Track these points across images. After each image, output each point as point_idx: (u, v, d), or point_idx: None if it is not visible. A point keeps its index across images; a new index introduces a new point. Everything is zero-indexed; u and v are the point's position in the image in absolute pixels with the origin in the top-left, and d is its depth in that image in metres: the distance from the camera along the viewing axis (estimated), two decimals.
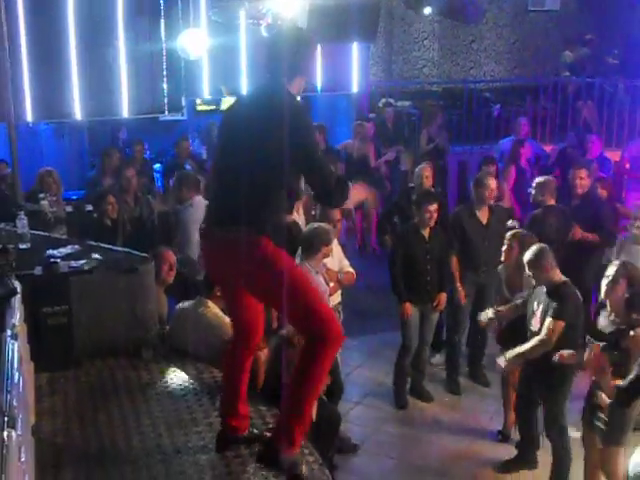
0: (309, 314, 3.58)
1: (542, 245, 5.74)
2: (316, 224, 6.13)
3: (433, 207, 6.86)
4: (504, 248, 6.46)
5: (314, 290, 3.71)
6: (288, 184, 3.65)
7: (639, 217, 6.72)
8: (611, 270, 5.17)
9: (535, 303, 5.75)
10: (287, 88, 3.67)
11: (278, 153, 3.48)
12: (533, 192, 7.43)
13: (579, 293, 5.60)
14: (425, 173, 7.89)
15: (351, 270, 6.56)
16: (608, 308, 5.19)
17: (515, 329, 6.05)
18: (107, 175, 8.81)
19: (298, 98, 3.78)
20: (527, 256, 5.64)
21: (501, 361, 5.78)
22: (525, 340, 5.71)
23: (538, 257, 5.57)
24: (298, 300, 3.56)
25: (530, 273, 5.62)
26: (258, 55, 3.75)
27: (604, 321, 5.20)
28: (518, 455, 6.19)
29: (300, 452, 3.81)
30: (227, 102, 10.87)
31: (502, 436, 6.66)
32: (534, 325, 5.69)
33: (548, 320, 5.46)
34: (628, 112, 11.57)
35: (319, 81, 10.33)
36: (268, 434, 3.99)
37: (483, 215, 7.33)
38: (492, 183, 7.31)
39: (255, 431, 4.10)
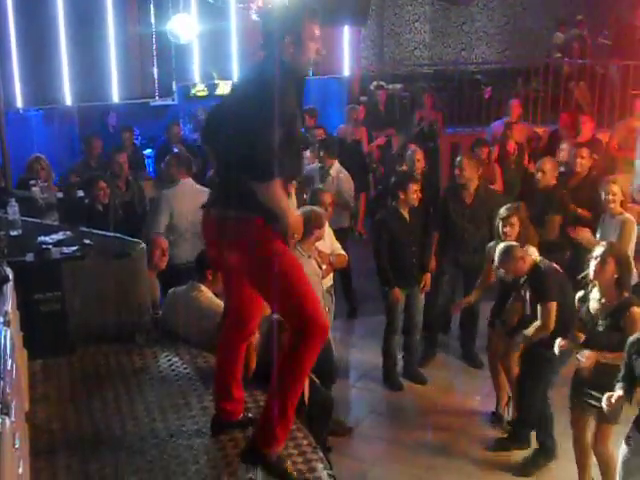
0: (295, 305, 3.53)
1: (509, 244, 5.88)
2: (308, 207, 6.13)
3: (413, 188, 6.89)
4: (506, 228, 6.34)
5: (304, 280, 3.62)
6: (282, 163, 3.41)
7: (610, 191, 6.73)
8: (598, 251, 5.15)
9: (523, 290, 5.82)
10: (280, 57, 3.54)
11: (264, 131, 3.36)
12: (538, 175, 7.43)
13: (558, 267, 5.73)
14: (417, 157, 7.93)
15: (343, 252, 6.58)
16: (597, 290, 5.19)
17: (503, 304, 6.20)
18: (91, 162, 8.75)
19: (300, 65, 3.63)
20: (499, 251, 5.78)
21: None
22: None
23: (506, 255, 5.71)
24: (286, 290, 3.51)
25: (502, 271, 5.78)
26: (249, 40, 3.66)
27: (595, 304, 5.18)
28: (510, 434, 6.25)
29: (284, 447, 3.77)
30: (221, 87, 10.88)
31: (495, 417, 6.68)
32: (527, 309, 5.74)
33: (538, 308, 5.52)
34: (619, 93, 11.57)
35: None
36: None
37: (468, 196, 7.35)
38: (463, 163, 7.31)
39: (249, 415, 4.10)
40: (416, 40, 14.27)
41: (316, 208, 6.14)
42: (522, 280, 5.81)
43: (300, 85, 3.72)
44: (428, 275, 7.14)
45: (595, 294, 5.17)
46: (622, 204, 6.81)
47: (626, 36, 12.32)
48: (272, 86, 3.40)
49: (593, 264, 5.09)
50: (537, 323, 5.60)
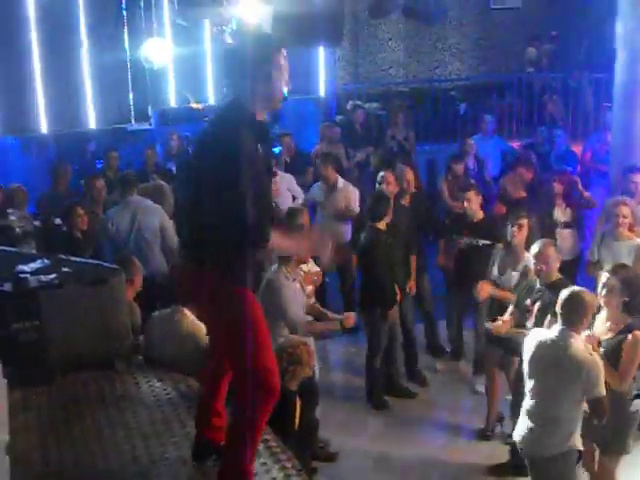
0: (251, 369, 3.50)
1: (548, 239, 5.93)
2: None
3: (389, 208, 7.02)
4: (515, 229, 6.46)
5: (266, 335, 3.60)
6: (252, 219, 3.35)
7: (619, 214, 6.63)
8: (604, 278, 5.17)
9: (529, 300, 5.79)
10: (248, 108, 3.53)
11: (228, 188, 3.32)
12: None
13: None
14: (388, 179, 7.78)
15: (317, 269, 6.61)
16: (604, 315, 5.17)
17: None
18: (60, 190, 8.69)
19: (262, 117, 3.62)
20: (534, 248, 5.73)
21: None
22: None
23: (547, 250, 5.66)
24: (243, 348, 3.47)
25: (537, 265, 5.69)
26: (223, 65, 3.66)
27: (601, 327, 5.18)
28: (511, 460, 6.06)
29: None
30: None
31: (482, 434, 6.66)
32: (530, 321, 5.69)
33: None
34: (592, 106, 11.71)
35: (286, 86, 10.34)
36: None
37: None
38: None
39: None
40: (390, 59, 14.36)
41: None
42: (537, 288, 5.78)
43: (263, 132, 3.66)
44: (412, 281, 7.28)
45: (602, 316, 5.18)
46: (630, 227, 6.68)
47: (597, 50, 12.47)
48: (234, 146, 3.34)
49: (601, 292, 5.09)
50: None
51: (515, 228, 6.45)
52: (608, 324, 5.12)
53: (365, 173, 11.08)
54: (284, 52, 3.60)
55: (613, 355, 4.96)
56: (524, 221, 6.46)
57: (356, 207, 8.48)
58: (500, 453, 6.25)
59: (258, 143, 3.54)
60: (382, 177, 7.81)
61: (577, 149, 10.05)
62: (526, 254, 6.21)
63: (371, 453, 6.51)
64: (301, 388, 5.24)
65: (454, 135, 12.00)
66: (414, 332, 7.70)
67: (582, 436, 4.81)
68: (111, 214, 7.32)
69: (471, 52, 14.82)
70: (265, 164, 3.71)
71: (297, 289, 6.00)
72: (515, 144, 10.96)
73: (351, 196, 8.44)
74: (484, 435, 6.64)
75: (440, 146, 11.65)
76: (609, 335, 5.08)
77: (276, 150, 11.09)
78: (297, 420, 5.05)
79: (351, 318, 6.17)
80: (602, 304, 5.13)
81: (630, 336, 4.93)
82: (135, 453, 4.15)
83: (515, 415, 5.71)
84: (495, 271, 6.64)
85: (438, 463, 6.34)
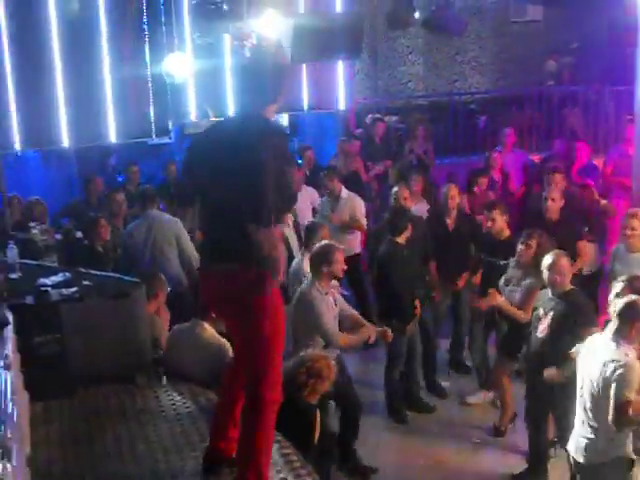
0: (260, 370, 3.66)
1: (561, 250, 5.90)
2: (321, 245, 6.13)
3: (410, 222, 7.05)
4: (522, 247, 6.53)
5: (280, 348, 3.73)
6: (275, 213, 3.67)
7: (628, 225, 6.64)
8: (618, 287, 5.16)
9: (541, 310, 5.79)
10: (263, 116, 3.76)
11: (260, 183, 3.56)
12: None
13: None
14: (403, 194, 7.83)
15: (335, 282, 6.61)
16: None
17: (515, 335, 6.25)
18: (92, 201, 8.80)
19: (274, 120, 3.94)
20: (547, 259, 5.72)
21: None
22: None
23: (561, 261, 5.67)
24: (261, 350, 3.65)
25: (548, 276, 5.70)
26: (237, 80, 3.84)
27: None
28: (528, 468, 6.16)
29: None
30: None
31: (496, 431, 6.80)
32: (540, 331, 5.71)
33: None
34: (614, 119, 11.64)
35: (305, 99, 10.38)
36: None
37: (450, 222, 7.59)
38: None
39: None
40: (410, 72, 14.36)
41: (329, 243, 6.17)
42: (550, 298, 5.80)
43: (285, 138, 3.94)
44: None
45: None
46: None
47: (616, 62, 12.38)
48: (282, 140, 3.72)
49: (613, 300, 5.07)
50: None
51: (523, 247, 6.49)
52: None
53: (384, 187, 11.07)
54: (294, 71, 3.90)
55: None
56: (533, 241, 6.48)
57: (362, 217, 8.47)
58: (515, 462, 6.31)
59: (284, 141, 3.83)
60: (396, 192, 7.82)
61: (599, 162, 9.98)
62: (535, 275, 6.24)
63: (391, 467, 6.48)
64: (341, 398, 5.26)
65: (474, 149, 11.95)
66: (435, 344, 7.68)
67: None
68: (131, 228, 7.41)
69: (491, 65, 14.80)
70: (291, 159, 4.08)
71: (330, 302, 6.04)
72: (535, 157, 10.90)
73: (356, 206, 8.46)
74: (498, 431, 6.80)
75: (459, 159, 11.62)
76: None
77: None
78: (317, 434, 5.03)
79: (387, 332, 6.26)
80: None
81: None
82: (155, 466, 4.15)
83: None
84: (502, 281, 6.71)
85: (456, 476, 6.32)
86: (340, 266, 6.00)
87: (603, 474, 4.84)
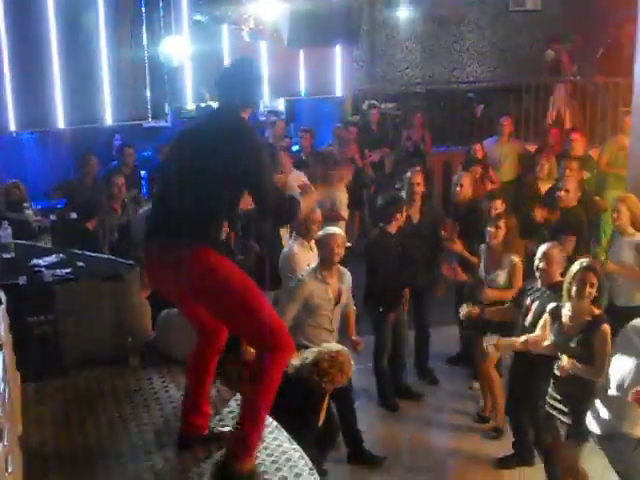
0: (253, 323, 3.65)
1: (554, 242, 5.95)
2: (325, 232, 6.12)
3: (403, 211, 7.02)
4: (492, 229, 6.57)
5: (258, 297, 3.73)
6: (230, 201, 3.81)
7: (619, 210, 6.71)
8: (576, 268, 5.19)
9: (528, 299, 5.81)
10: (239, 115, 3.88)
11: (224, 172, 3.67)
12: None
13: None
14: (416, 179, 7.67)
15: None
16: (571, 306, 5.21)
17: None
18: (87, 182, 8.77)
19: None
20: (543, 248, 5.74)
21: (490, 348, 5.87)
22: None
23: (553, 252, 5.70)
24: (240, 309, 3.66)
25: (540, 266, 5.71)
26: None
27: (567, 320, 5.24)
28: (514, 453, 6.26)
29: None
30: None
31: (480, 418, 6.91)
32: (528, 321, 5.74)
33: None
34: (610, 110, 11.62)
35: (303, 85, 10.36)
36: (226, 432, 4.07)
37: (414, 214, 7.51)
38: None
39: (215, 430, 4.17)
40: (407, 59, 14.30)
41: (328, 229, 6.16)
42: (537, 288, 5.82)
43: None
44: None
45: (567, 309, 5.19)
46: (633, 224, 6.71)
47: (614, 53, 12.36)
48: (256, 138, 3.93)
49: (574, 284, 5.11)
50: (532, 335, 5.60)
51: (493, 229, 6.56)
52: (576, 316, 5.17)
53: (380, 175, 11.08)
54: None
55: (586, 348, 5.03)
56: (502, 223, 6.57)
57: (342, 207, 8.38)
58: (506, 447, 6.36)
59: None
60: (408, 178, 7.72)
61: (594, 153, 9.98)
62: (510, 255, 6.49)
63: (381, 453, 6.50)
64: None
65: (471, 137, 11.94)
66: (428, 331, 7.70)
67: None
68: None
69: (489, 54, 14.73)
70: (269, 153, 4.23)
71: (326, 292, 5.98)
72: (532, 147, 10.89)
73: (336, 195, 8.35)
74: (481, 418, 6.90)
75: (456, 148, 11.61)
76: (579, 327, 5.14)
77: (294, 148, 11.13)
78: (322, 416, 5.07)
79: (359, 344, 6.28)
80: (574, 296, 5.15)
81: (600, 330, 5.03)
82: (147, 448, 4.16)
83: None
84: (482, 271, 6.76)
85: (448, 461, 6.43)
86: (337, 251, 5.99)
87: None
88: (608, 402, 4.88)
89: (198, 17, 8.28)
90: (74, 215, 7.56)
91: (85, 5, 8.68)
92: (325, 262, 6.00)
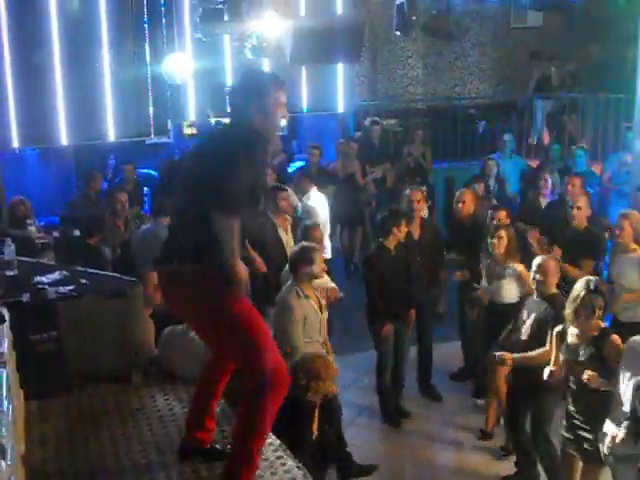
0: (252, 357, 3.62)
1: (552, 255, 5.99)
2: (298, 246, 6.12)
3: (402, 225, 6.99)
4: (494, 240, 6.60)
5: (261, 331, 3.69)
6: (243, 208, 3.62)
7: (622, 226, 6.70)
8: (581, 291, 5.15)
9: (525, 312, 5.80)
10: (250, 122, 3.78)
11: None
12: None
13: None
14: (415, 197, 7.64)
15: (332, 285, 6.63)
16: (576, 325, 5.17)
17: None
18: (91, 199, 8.81)
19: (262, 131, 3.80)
20: (539, 260, 5.73)
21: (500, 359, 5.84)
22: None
23: (549, 264, 5.69)
24: (242, 342, 3.64)
25: (537, 278, 5.70)
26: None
27: (574, 339, 5.19)
28: (518, 471, 6.20)
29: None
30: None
31: (483, 434, 6.86)
32: (523, 334, 5.73)
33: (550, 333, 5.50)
34: (613, 126, 11.66)
35: (305, 101, 10.39)
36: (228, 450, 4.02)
37: (415, 230, 7.48)
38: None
39: (217, 446, 4.15)
40: (409, 76, 14.37)
41: (306, 244, 6.13)
42: (533, 300, 5.82)
43: (265, 148, 3.85)
44: (413, 311, 7.20)
45: (574, 330, 5.18)
46: (636, 240, 6.69)
47: (615, 69, 12.41)
48: (244, 149, 3.61)
49: (582, 308, 5.06)
50: (545, 348, 5.58)
51: (495, 240, 6.59)
52: (582, 333, 5.12)
53: (382, 190, 11.09)
54: (284, 89, 3.90)
55: (597, 361, 5.00)
56: (503, 233, 6.62)
57: (323, 222, 8.32)
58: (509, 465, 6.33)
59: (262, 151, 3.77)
60: (408, 195, 7.70)
61: (597, 169, 10.01)
62: (512, 264, 6.55)
63: (383, 468, 6.46)
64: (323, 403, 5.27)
65: (473, 153, 11.98)
66: (431, 347, 7.67)
67: None
68: (146, 231, 7.32)
69: (491, 71, 14.81)
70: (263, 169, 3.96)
71: (312, 307, 5.94)
72: (534, 163, 10.92)
73: (319, 211, 8.34)
74: (484, 436, 6.86)
75: (458, 164, 11.64)
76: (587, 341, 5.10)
77: (297, 164, 11.16)
78: (314, 431, 5.04)
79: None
80: (575, 318, 5.11)
81: (609, 340, 5.01)
82: (150, 466, 4.14)
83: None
84: (484, 282, 6.80)
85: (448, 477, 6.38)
86: (319, 267, 5.95)
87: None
88: (619, 419, 4.84)
89: (200, 35, 8.33)
90: (77, 232, 7.56)
91: (88, 22, 8.72)
92: (308, 277, 5.94)
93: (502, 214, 7.34)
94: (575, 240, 7.14)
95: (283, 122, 3.98)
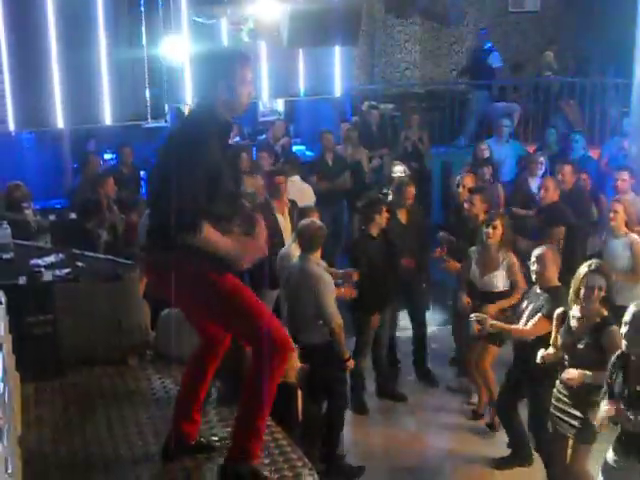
0: (250, 326, 3.59)
1: (551, 245, 5.92)
2: (309, 221, 6.08)
3: (384, 211, 6.94)
4: (489, 230, 6.52)
5: (252, 300, 3.66)
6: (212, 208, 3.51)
7: (616, 210, 6.73)
8: (584, 270, 5.12)
9: (525, 302, 5.80)
10: (214, 104, 3.64)
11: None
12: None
13: None
14: (406, 182, 7.59)
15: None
16: (578, 308, 5.14)
17: None
18: (88, 182, 8.80)
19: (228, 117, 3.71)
20: (537, 251, 5.71)
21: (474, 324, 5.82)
22: None
23: (547, 254, 5.65)
24: (237, 314, 3.60)
25: (535, 269, 5.67)
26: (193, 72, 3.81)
27: (575, 322, 5.17)
28: (512, 453, 6.23)
29: (261, 462, 3.81)
30: None
31: (474, 414, 6.90)
32: (521, 324, 5.74)
33: (538, 316, 5.52)
34: (610, 110, 11.64)
35: (302, 85, 10.35)
36: (216, 443, 4.05)
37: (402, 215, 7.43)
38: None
39: (203, 440, 4.09)
40: (407, 60, 14.32)
41: (317, 221, 6.14)
42: (534, 291, 5.80)
43: (226, 131, 3.78)
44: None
45: (575, 312, 5.17)
46: (627, 224, 6.75)
47: (614, 54, 12.39)
48: (195, 138, 3.51)
49: (583, 287, 5.06)
50: (524, 327, 5.63)
51: (490, 229, 6.51)
52: (584, 318, 5.10)
53: (380, 176, 11.06)
54: (250, 66, 3.73)
55: (594, 351, 4.98)
56: (498, 222, 6.54)
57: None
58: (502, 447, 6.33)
59: (222, 140, 3.67)
60: (397, 180, 7.69)
61: (595, 154, 9.99)
62: (507, 253, 6.50)
63: (375, 454, 6.51)
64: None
65: (469, 138, 11.96)
66: (426, 331, 7.67)
67: None
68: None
69: None
70: (231, 160, 3.88)
71: (330, 278, 5.96)
72: (531, 148, 10.89)
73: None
74: (475, 416, 6.90)
75: (456, 149, 11.62)
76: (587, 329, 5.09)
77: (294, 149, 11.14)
78: (299, 412, 5.04)
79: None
80: (582, 300, 5.08)
81: (608, 331, 4.96)
82: (146, 448, 4.15)
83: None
84: (476, 273, 6.67)
85: (444, 462, 6.40)
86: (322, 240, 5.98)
87: None
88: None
89: (197, 17, 8.28)
90: (73, 215, 7.56)
91: (84, 5, 8.67)
92: (313, 248, 5.95)
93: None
94: (546, 216, 7.42)
95: (250, 101, 3.77)
